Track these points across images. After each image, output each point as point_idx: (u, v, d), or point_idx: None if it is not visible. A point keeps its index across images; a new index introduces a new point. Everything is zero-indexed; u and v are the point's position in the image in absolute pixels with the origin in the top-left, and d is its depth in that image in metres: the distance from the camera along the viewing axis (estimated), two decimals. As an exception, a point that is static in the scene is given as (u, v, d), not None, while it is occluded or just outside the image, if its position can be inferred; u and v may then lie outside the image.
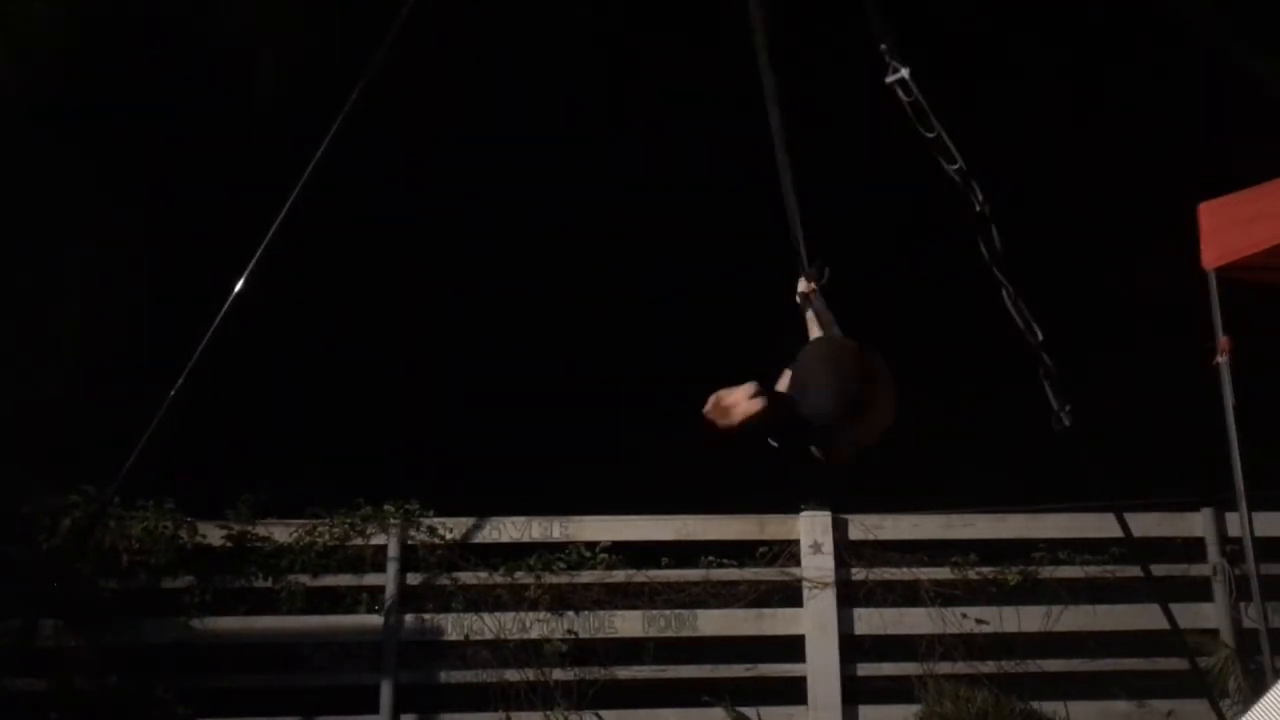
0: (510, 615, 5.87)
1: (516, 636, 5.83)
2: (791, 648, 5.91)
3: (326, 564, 5.88)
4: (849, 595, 5.96)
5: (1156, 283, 6.46)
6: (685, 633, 5.91)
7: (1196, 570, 6.00)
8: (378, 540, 5.94)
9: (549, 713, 5.66)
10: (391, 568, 5.88)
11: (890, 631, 5.95)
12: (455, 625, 5.86)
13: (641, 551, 6.04)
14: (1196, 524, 6.06)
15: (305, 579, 5.84)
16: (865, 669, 5.88)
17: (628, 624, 5.91)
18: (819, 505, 6.07)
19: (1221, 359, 4.94)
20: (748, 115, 4.37)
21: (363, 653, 5.85)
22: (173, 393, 4.51)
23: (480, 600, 5.92)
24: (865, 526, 6.07)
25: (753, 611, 5.97)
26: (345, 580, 5.88)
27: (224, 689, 5.65)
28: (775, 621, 5.96)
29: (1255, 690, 5.08)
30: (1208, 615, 5.91)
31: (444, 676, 5.81)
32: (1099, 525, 5.82)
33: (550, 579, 5.93)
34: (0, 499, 5.67)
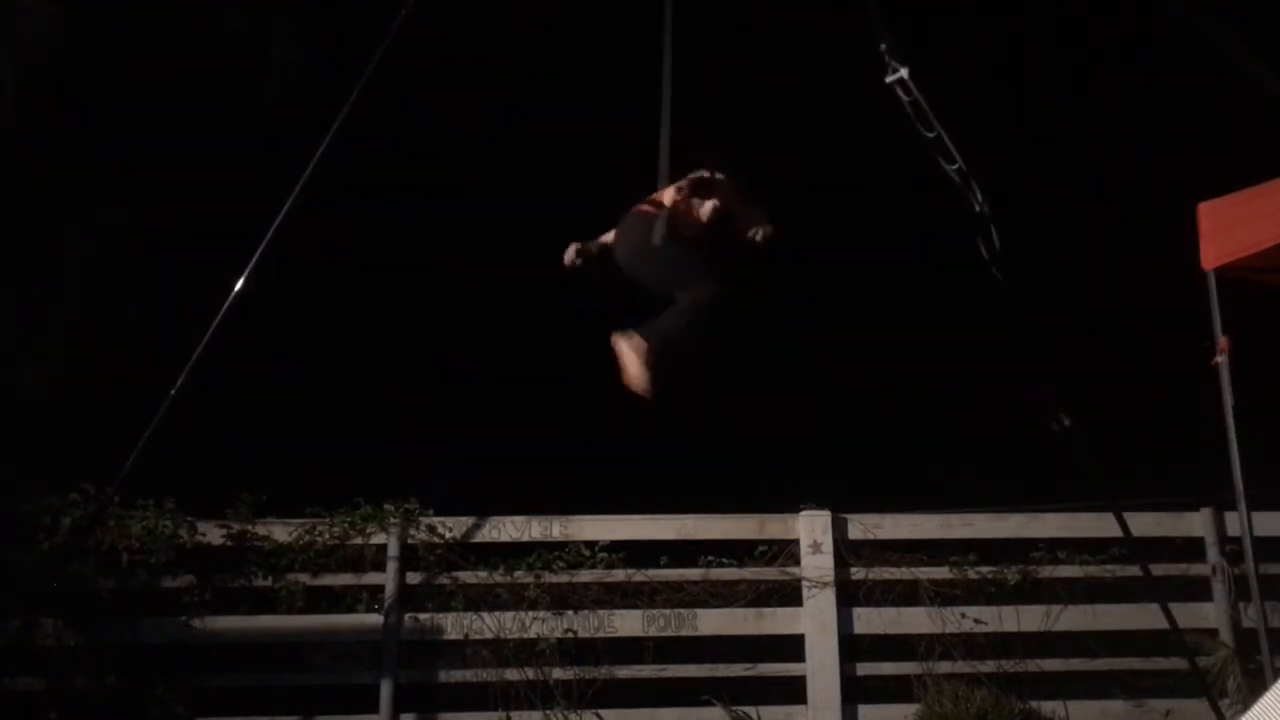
0: (510, 614, 5.87)
1: (516, 636, 5.83)
2: (791, 647, 5.91)
3: (326, 563, 5.89)
4: (848, 595, 5.96)
5: (1156, 282, 6.45)
6: (685, 632, 5.91)
7: (1196, 570, 6.00)
8: (377, 539, 5.94)
9: (548, 712, 5.66)
10: (391, 567, 5.88)
11: (889, 631, 5.95)
12: (455, 624, 5.85)
13: (641, 551, 6.04)
14: (1196, 524, 6.05)
15: (305, 578, 5.84)
16: (864, 668, 5.88)
17: (627, 623, 5.91)
18: (819, 505, 6.07)
19: (1221, 359, 4.94)
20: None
21: (362, 652, 5.85)
22: (173, 392, 4.52)
23: (480, 599, 5.92)
24: (865, 526, 6.07)
25: (752, 611, 5.97)
26: (345, 579, 5.89)
27: (223, 688, 5.64)
28: (775, 621, 5.96)
29: (1254, 690, 5.07)
30: (1207, 615, 5.91)
31: (444, 676, 5.81)
32: (1098, 525, 5.81)
33: (550, 578, 5.93)
34: (0, 499, 5.67)
